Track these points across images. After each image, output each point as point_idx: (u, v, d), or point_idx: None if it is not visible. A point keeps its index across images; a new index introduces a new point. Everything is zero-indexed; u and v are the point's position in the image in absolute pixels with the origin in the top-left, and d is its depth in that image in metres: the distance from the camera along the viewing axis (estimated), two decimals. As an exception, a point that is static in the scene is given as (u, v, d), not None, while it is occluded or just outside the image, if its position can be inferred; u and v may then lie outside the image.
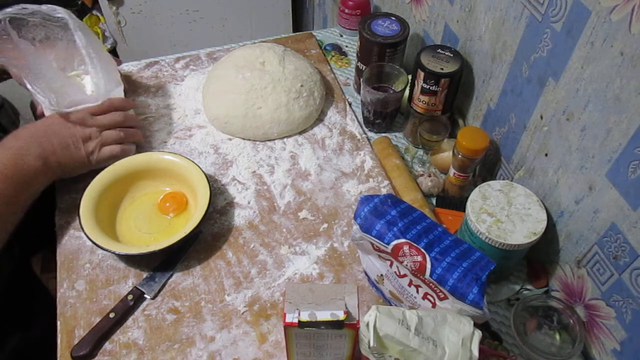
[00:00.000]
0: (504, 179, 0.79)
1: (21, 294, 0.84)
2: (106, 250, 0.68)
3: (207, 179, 0.75)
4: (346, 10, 1.07)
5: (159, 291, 0.70)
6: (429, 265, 0.55)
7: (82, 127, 0.74)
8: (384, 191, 0.82)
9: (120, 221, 0.75)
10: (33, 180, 0.68)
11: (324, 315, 0.52)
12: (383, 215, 0.60)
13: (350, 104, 0.96)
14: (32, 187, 0.69)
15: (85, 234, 0.69)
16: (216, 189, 0.81)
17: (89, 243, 0.73)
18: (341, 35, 1.12)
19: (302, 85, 0.89)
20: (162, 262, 0.72)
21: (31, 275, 0.92)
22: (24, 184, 0.67)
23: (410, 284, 0.60)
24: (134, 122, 0.81)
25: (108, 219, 0.74)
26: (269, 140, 0.89)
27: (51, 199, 0.78)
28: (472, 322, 0.53)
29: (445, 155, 0.83)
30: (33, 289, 0.87)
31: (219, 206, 0.79)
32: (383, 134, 0.92)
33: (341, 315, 0.51)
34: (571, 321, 0.65)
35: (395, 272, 0.62)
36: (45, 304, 0.84)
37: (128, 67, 0.99)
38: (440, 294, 0.56)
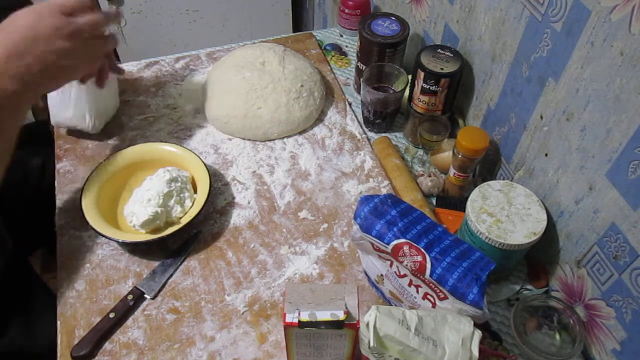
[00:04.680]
0: (504, 179, 0.79)
1: (19, 293, 0.84)
2: (109, 238, 0.68)
3: (206, 167, 0.76)
4: (346, 10, 1.07)
5: (159, 291, 0.70)
6: (429, 265, 0.55)
7: (61, 41, 0.62)
8: (384, 191, 0.82)
9: (120, 214, 0.76)
10: (15, 104, 0.61)
11: (324, 315, 0.52)
12: (383, 215, 0.60)
13: (350, 104, 0.96)
14: (16, 112, 0.62)
15: (88, 223, 0.69)
16: (216, 189, 0.81)
17: (89, 243, 0.74)
18: (341, 35, 1.12)
19: (302, 85, 0.89)
20: (162, 262, 0.72)
21: (31, 275, 0.92)
22: (7, 109, 0.60)
23: (410, 284, 0.60)
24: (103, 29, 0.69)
25: (109, 211, 0.74)
26: (269, 140, 0.89)
27: (51, 199, 0.78)
28: (472, 322, 0.53)
29: (445, 155, 0.83)
30: (32, 289, 0.87)
31: (219, 206, 0.79)
32: (383, 134, 0.92)
33: (341, 315, 0.51)
34: (571, 321, 0.65)
35: (395, 272, 0.62)
36: (45, 304, 0.83)
37: (128, 67, 0.99)
38: (440, 294, 0.56)
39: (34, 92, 0.64)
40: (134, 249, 0.73)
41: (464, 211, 0.69)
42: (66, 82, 0.68)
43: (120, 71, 0.80)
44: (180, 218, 0.73)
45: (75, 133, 0.86)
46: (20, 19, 0.61)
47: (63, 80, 0.67)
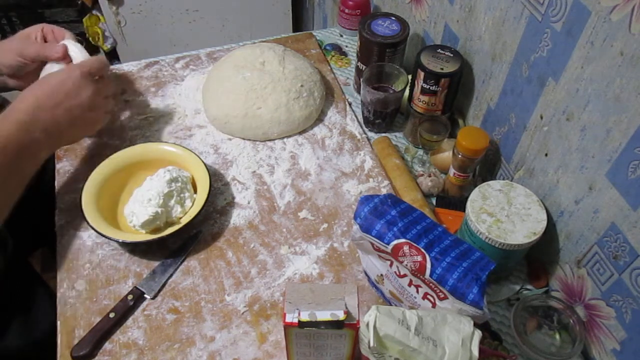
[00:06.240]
0: (504, 179, 0.79)
1: (19, 293, 0.84)
2: (109, 238, 0.68)
3: (206, 167, 0.77)
4: (346, 10, 1.07)
5: (159, 291, 0.70)
6: (429, 265, 0.55)
7: (88, 94, 0.72)
8: (384, 191, 0.82)
9: (120, 214, 0.76)
10: (37, 153, 0.68)
11: (324, 315, 0.52)
12: (383, 215, 0.60)
13: (350, 104, 0.96)
14: (36, 159, 0.68)
15: (88, 223, 0.69)
16: (216, 189, 0.81)
17: (89, 243, 0.74)
18: (341, 35, 1.12)
19: (302, 85, 0.89)
20: (162, 262, 0.72)
21: (32, 275, 0.92)
22: (28, 156, 0.67)
23: (410, 284, 0.60)
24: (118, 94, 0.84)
25: (109, 211, 0.74)
26: (269, 140, 0.89)
27: (51, 199, 0.78)
28: (472, 322, 0.53)
29: (445, 155, 0.83)
30: (33, 288, 0.87)
31: (219, 206, 0.79)
32: (383, 134, 0.92)
33: (341, 315, 0.51)
34: (571, 321, 0.65)
35: (395, 272, 0.62)
36: (45, 304, 0.83)
37: (128, 67, 0.99)
38: (440, 294, 0.56)
39: (56, 143, 0.72)
40: (134, 249, 0.73)
41: (464, 211, 0.69)
42: (85, 135, 0.80)
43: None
44: (180, 218, 0.73)
45: None
46: (51, 76, 0.72)
47: (84, 133, 0.78)
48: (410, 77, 0.86)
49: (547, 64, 0.65)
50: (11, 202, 0.66)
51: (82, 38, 1.05)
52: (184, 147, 0.80)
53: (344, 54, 1.07)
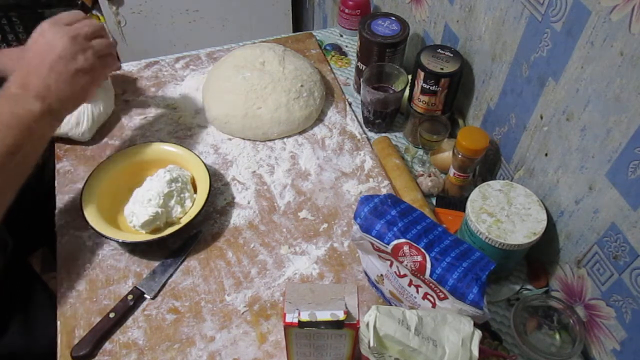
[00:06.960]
0: (504, 179, 0.79)
1: (19, 293, 0.84)
2: (109, 238, 0.68)
3: (206, 167, 0.77)
4: (346, 10, 1.07)
5: (159, 291, 0.70)
6: (429, 265, 0.55)
7: (68, 42, 0.66)
8: (384, 191, 0.82)
9: (120, 214, 0.76)
10: (34, 124, 0.63)
11: (324, 315, 0.52)
12: (383, 215, 0.60)
13: (350, 104, 0.96)
14: (37, 133, 0.64)
15: (88, 223, 0.69)
16: (216, 189, 0.81)
17: (89, 243, 0.74)
18: (341, 35, 1.12)
19: (302, 85, 0.89)
20: (162, 262, 0.72)
21: (32, 275, 0.92)
22: (26, 130, 0.62)
23: (410, 284, 0.60)
24: (106, 34, 0.73)
25: (109, 211, 0.74)
26: (269, 140, 0.89)
27: (51, 199, 0.78)
28: (472, 322, 0.53)
29: (445, 155, 0.83)
30: (32, 289, 0.87)
31: (219, 206, 0.79)
32: (383, 134, 0.92)
33: (341, 315, 0.51)
34: (571, 321, 0.65)
35: (395, 272, 0.62)
36: (45, 304, 0.83)
37: (128, 67, 0.99)
38: (440, 294, 0.56)
39: (55, 109, 0.66)
40: (134, 249, 0.73)
41: (464, 211, 0.69)
42: (83, 96, 0.70)
43: (118, 66, 0.82)
44: (180, 218, 0.73)
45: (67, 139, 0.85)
46: (33, 37, 0.67)
47: (83, 89, 0.69)
48: (410, 77, 0.86)
49: (547, 64, 0.65)
50: (15, 182, 0.63)
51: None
52: (184, 147, 0.80)
53: (344, 54, 1.07)
